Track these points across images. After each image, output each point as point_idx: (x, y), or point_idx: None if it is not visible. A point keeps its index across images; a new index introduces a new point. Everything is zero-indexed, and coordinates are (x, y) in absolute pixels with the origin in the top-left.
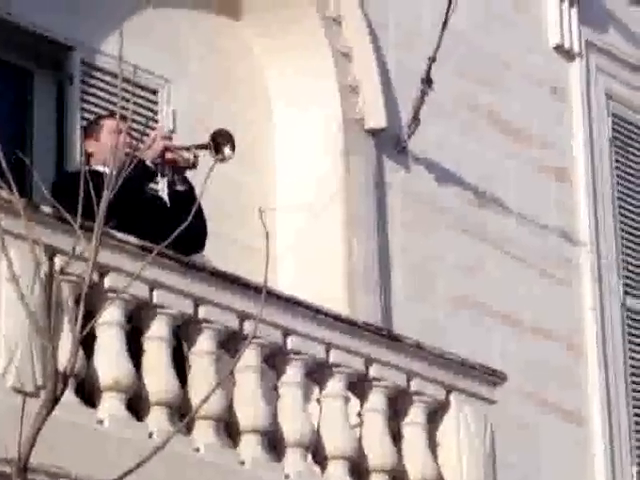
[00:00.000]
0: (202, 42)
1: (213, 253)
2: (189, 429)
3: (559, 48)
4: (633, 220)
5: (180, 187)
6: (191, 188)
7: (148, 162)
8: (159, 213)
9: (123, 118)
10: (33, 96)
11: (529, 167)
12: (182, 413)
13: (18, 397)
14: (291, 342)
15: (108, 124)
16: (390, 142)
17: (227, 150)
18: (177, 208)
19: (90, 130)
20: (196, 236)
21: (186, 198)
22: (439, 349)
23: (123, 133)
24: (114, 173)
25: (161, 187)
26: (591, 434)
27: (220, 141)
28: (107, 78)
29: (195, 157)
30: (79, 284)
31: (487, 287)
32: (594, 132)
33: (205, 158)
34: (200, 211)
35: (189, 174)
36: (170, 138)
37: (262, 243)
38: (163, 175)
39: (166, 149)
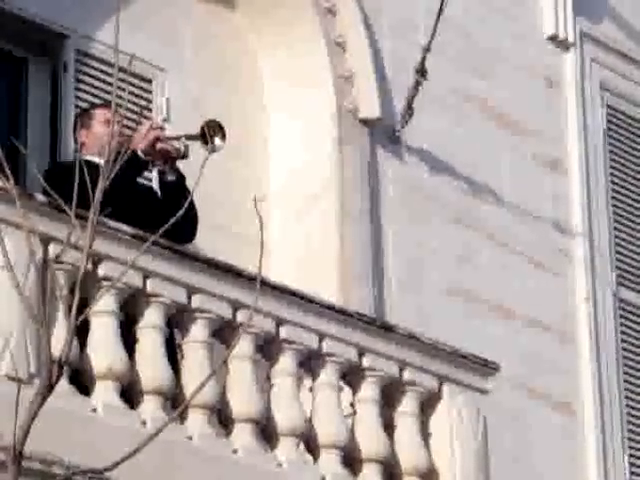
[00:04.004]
0: (197, 31)
1: (206, 243)
2: (182, 418)
3: (554, 38)
4: (627, 211)
5: (171, 177)
6: (182, 178)
7: (140, 152)
8: (150, 203)
9: (116, 106)
10: (27, 84)
11: (523, 157)
12: (175, 402)
13: (12, 385)
14: (284, 331)
15: (99, 114)
16: (384, 132)
17: (218, 140)
18: (168, 198)
19: (81, 120)
20: (187, 226)
21: (177, 188)
22: (432, 339)
23: (115, 123)
24: (108, 163)
25: (152, 177)
26: (583, 424)
27: (211, 131)
28: (102, 67)
29: (186, 147)
30: (73, 272)
31: (480, 277)
32: (588, 123)
33: (197, 148)
34: (191, 201)
35: (181, 163)
36: (162, 128)
37: (255, 232)
38: (154, 165)
39: (157, 139)
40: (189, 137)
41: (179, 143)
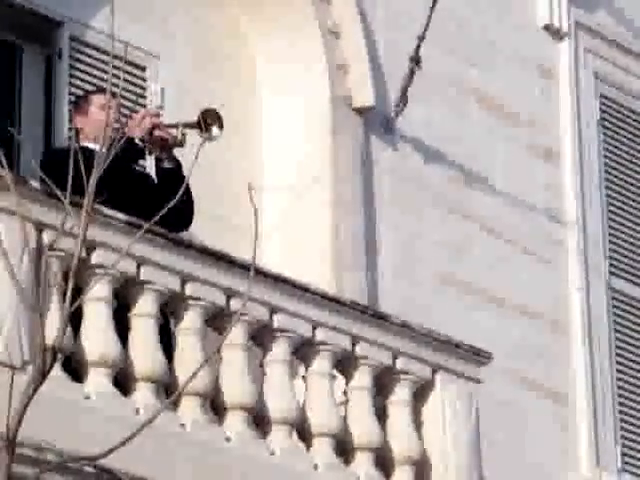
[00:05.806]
0: (191, 19)
1: (200, 231)
2: (175, 405)
3: (548, 28)
4: (620, 201)
5: (167, 164)
6: (178, 165)
7: (136, 139)
8: (147, 190)
9: (112, 94)
10: (22, 71)
11: (516, 146)
12: (168, 389)
13: (6, 372)
14: (278, 320)
15: (96, 100)
16: (378, 121)
17: (215, 129)
18: (164, 185)
19: (78, 106)
20: (183, 214)
21: (173, 175)
22: (425, 328)
23: (112, 109)
24: (104, 150)
25: (149, 164)
26: (575, 413)
27: (208, 120)
28: (96, 54)
29: (183, 135)
30: (67, 259)
31: (473, 266)
32: (582, 112)
33: (193, 136)
34: (187, 189)
35: (177, 152)
36: (158, 116)
37: (248, 221)
38: (151, 152)
39: (154, 127)
40: (186, 125)
41: (176, 131)
